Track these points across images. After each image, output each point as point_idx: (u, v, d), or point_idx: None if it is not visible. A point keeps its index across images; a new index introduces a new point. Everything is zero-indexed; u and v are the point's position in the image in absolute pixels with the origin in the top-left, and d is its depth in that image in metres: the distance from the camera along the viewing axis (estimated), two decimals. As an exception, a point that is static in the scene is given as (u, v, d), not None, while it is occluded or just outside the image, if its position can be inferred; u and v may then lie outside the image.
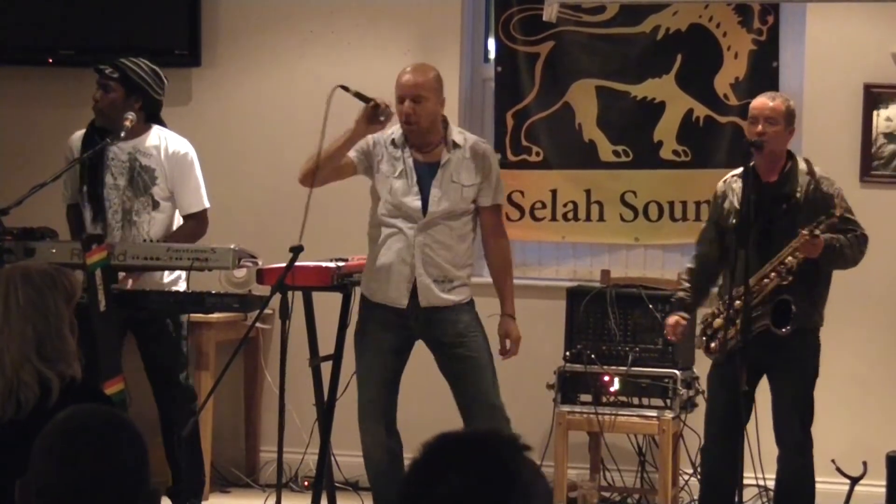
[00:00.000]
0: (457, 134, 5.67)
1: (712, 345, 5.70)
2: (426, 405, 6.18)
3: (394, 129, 5.64)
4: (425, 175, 5.59)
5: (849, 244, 5.63)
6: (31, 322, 3.66)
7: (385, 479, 5.61)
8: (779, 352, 5.64)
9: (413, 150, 5.61)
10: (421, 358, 5.70)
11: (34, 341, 3.64)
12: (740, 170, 5.77)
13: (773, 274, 5.59)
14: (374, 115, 5.49)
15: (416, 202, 5.55)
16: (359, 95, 5.52)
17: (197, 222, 6.22)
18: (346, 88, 5.50)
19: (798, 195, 5.66)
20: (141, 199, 6.13)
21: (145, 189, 6.14)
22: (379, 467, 5.62)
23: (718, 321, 5.68)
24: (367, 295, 5.64)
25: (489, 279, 5.80)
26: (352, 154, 5.63)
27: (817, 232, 5.51)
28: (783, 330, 5.57)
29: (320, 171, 5.57)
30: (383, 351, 5.60)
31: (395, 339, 5.61)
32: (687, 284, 5.87)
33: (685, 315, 5.84)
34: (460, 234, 5.63)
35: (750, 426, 5.63)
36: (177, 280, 6.08)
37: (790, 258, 5.56)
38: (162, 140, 6.20)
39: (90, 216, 6.08)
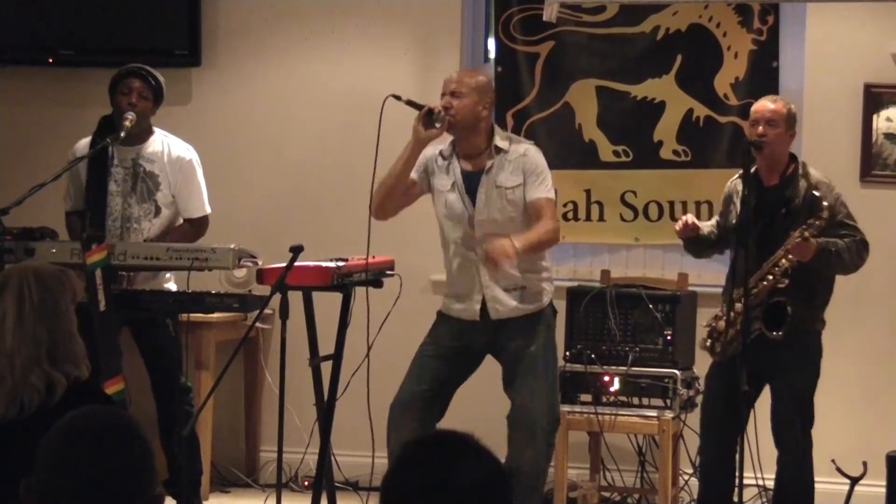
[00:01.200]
0: (501, 140, 5.66)
1: (717, 348, 5.71)
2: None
3: (441, 146, 5.68)
4: (473, 184, 5.61)
5: (846, 249, 5.62)
6: (45, 324, 3.64)
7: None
8: (778, 355, 5.65)
9: (461, 160, 5.64)
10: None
11: (46, 343, 3.62)
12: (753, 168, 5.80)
13: (769, 276, 5.60)
14: (428, 121, 5.51)
15: (466, 213, 5.59)
16: (411, 103, 5.56)
17: (196, 227, 6.24)
18: (397, 97, 5.54)
19: (797, 201, 5.68)
20: (143, 206, 6.13)
21: (149, 195, 6.14)
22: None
23: (722, 323, 5.69)
24: (444, 309, 5.74)
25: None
26: (413, 175, 5.66)
27: (807, 234, 5.52)
28: (774, 334, 5.58)
29: (391, 199, 5.60)
30: (443, 357, 5.67)
31: (462, 350, 5.68)
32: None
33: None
34: None
35: (749, 426, 5.63)
36: (168, 279, 6.11)
37: (784, 260, 5.58)
38: (165, 145, 6.20)
39: (90, 220, 6.06)
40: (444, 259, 5.77)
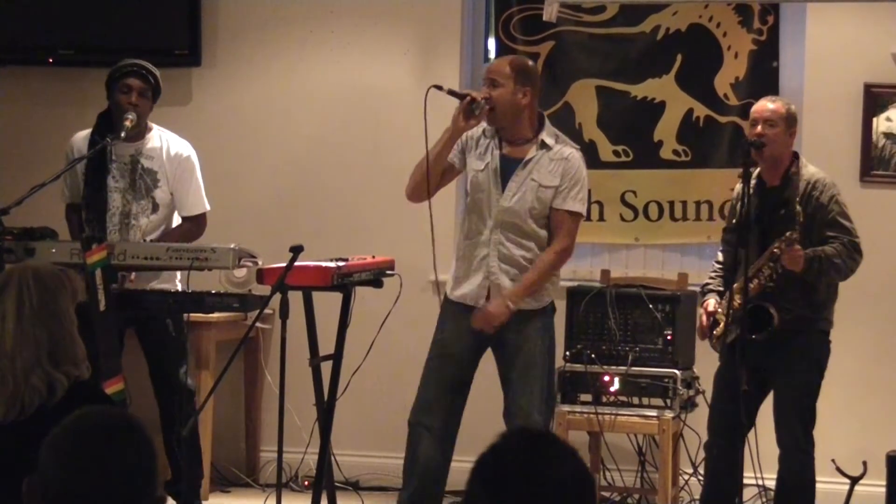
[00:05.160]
0: (548, 136, 5.66)
1: (715, 332, 5.71)
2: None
3: (485, 125, 5.68)
4: (509, 170, 5.62)
5: (836, 254, 5.59)
6: (46, 326, 3.61)
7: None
8: (781, 354, 5.64)
9: (505, 144, 5.64)
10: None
11: (47, 345, 3.60)
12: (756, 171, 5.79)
13: (754, 280, 5.58)
14: (469, 110, 5.52)
15: (495, 196, 5.59)
16: (452, 93, 5.60)
17: (195, 225, 6.23)
18: (439, 87, 5.56)
19: (797, 201, 5.65)
20: (141, 203, 6.13)
21: (147, 192, 6.14)
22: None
23: (722, 315, 5.69)
24: (447, 291, 5.71)
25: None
26: (450, 156, 5.66)
27: (797, 246, 5.48)
28: (754, 336, 5.55)
29: (425, 183, 5.57)
30: (451, 357, 5.62)
31: (470, 341, 5.62)
32: (714, 274, 5.86)
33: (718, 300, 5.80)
34: (539, 236, 5.61)
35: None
36: (171, 279, 6.10)
37: (766, 268, 5.56)
38: (164, 142, 6.20)
39: (88, 217, 6.06)
40: (458, 239, 5.79)
